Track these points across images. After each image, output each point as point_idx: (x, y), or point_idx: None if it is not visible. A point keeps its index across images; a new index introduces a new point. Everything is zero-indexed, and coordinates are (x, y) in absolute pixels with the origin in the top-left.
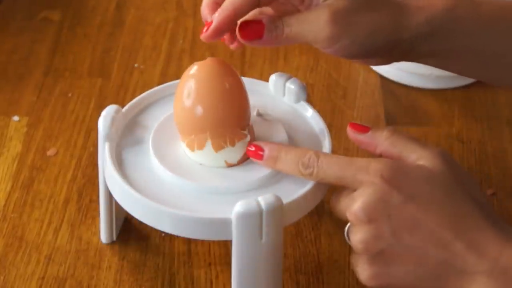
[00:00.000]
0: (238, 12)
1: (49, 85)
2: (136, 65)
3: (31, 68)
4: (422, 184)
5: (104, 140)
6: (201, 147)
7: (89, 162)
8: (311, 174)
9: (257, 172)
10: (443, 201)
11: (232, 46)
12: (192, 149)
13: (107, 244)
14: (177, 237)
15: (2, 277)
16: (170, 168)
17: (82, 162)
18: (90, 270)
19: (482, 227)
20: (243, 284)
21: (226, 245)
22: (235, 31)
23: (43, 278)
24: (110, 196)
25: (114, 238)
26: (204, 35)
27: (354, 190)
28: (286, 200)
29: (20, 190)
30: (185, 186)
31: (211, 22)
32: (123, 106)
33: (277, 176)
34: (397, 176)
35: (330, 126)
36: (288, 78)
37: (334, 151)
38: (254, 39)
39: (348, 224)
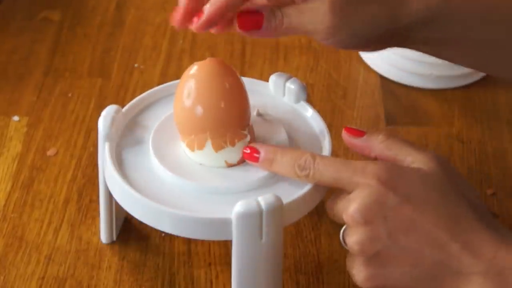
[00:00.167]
0: (230, 4)
1: (49, 85)
2: (136, 65)
3: (31, 68)
4: (417, 186)
5: (104, 140)
6: (201, 147)
7: (89, 162)
8: (307, 176)
9: (257, 172)
10: (438, 203)
11: (213, 30)
12: (192, 149)
13: (107, 244)
14: (177, 237)
15: (2, 277)
16: (170, 168)
17: (82, 162)
18: (90, 270)
19: (476, 228)
20: (243, 284)
21: (226, 245)
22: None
23: (43, 278)
24: (110, 196)
25: (114, 238)
26: (195, 26)
27: (350, 192)
28: (286, 200)
29: (20, 190)
30: (185, 186)
31: (190, 10)
32: (123, 106)
33: (277, 176)
34: (393, 178)
35: (330, 126)
36: (288, 78)
37: (334, 151)
38: (253, 29)
39: (344, 227)
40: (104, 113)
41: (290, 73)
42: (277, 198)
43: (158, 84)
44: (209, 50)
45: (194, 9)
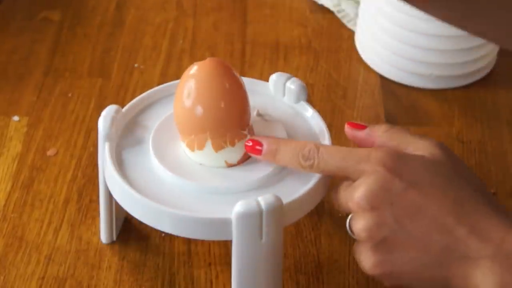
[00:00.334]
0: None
1: (49, 85)
2: (136, 65)
3: (31, 68)
4: (422, 171)
5: (104, 140)
6: (201, 147)
7: (89, 162)
8: (311, 166)
9: (257, 172)
10: (444, 188)
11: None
12: (192, 149)
13: (107, 244)
14: (177, 237)
15: (2, 277)
16: (170, 168)
17: (82, 162)
18: (90, 270)
19: (483, 212)
20: (243, 284)
21: (226, 245)
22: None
23: (43, 278)
24: (110, 196)
25: (114, 238)
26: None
27: (355, 180)
28: (286, 200)
29: (20, 190)
30: (185, 186)
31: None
32: (123, 106)
33: (277, 176)
34: (398, 164)
35: (330, 126)
36: (288, 78)
37: None
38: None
39: (350, 216)
40: (104, 113)
41: (290, 73)
42: (277, 198)
43: (158, 84)
44: (209, 50)
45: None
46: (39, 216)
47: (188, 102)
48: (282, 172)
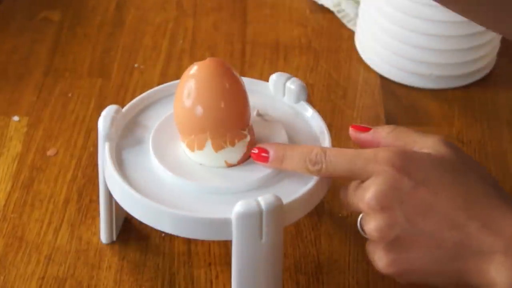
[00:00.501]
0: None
1: (49, 85)
2: (136, 65)
3: (31, 68)
4: (430, 169)
5: (104, 140)
6: (201, 147)
7: (89, 162)
8: (319, 170)
9: (257, 172)
10: (453, 184)
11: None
12: (192, 149)
13: (107, 244)
14: (177, 237)
15: (2, 277)
16: (170, 168)
17: (82, 162)
18: (90, 270)
19: (494, 206)
20: (243, 284)
21: (226, 245)
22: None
23: (43, 278)
24: (110, 196)
25: (114, 238)
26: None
27: (364, 180)
28: (286, 200)
29: (20, 190)
30: (185, 186)
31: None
32: (123, 106)
33: (277, 176)
34: (406, 162)
35: (330, 126)
36: (288, 78)
37: None
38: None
39: (361, 216)
40: (104, 113)
41: (290, 73)
42: (277, 198)
43: (158, 84)
44: (209, 50)
45: None
46: (39, 216)
47: (188, 102)
48: (282, 172)
